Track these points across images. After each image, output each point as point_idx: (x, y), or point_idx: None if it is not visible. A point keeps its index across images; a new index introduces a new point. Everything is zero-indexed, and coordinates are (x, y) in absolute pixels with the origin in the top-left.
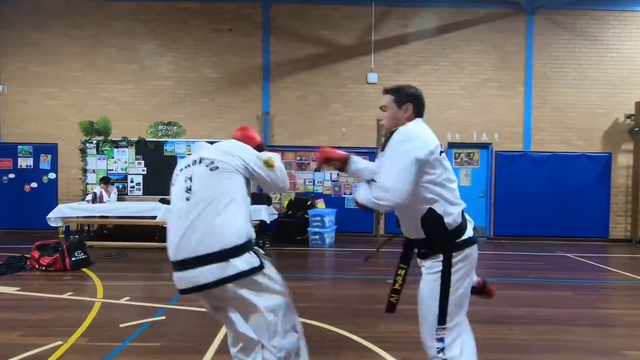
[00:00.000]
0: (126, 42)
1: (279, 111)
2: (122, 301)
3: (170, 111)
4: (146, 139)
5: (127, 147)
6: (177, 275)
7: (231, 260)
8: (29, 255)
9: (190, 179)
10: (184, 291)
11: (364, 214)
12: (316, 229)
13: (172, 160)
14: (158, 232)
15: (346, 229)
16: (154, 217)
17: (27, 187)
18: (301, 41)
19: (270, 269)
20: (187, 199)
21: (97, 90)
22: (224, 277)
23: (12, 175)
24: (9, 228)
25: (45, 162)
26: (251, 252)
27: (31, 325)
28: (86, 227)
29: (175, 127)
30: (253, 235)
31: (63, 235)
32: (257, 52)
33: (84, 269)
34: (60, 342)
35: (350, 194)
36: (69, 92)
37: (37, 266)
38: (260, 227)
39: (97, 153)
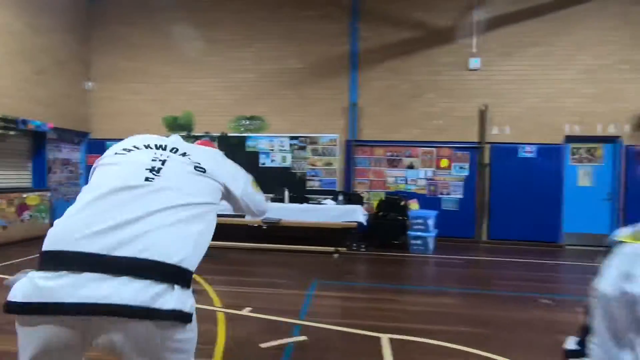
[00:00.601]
0: (213, 35)
1: (367, 102)
2: (246, 312)
3: (252, 104)
4: (228, 134)
5: None
6: (61, 280)
7: (176, 287)
8: None
9: (163, 162)
10: (44, 309)
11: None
12: (418, 233)
13: (254, 157)
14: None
15: (445, 233)
16: (233, 215)
17: None
18: (392, 25)
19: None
20: (148, 180)
21: (181, 84)
22: (156, 308)
23: None
24: None
25: None
26: (193, 293)
27: None
28: None
29: (259, 121)
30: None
31: None
32: (344, 39)
33: None
34: None
35: (448, 194)
36: (154, 87)
37: None
38: (355, 230)
39: None
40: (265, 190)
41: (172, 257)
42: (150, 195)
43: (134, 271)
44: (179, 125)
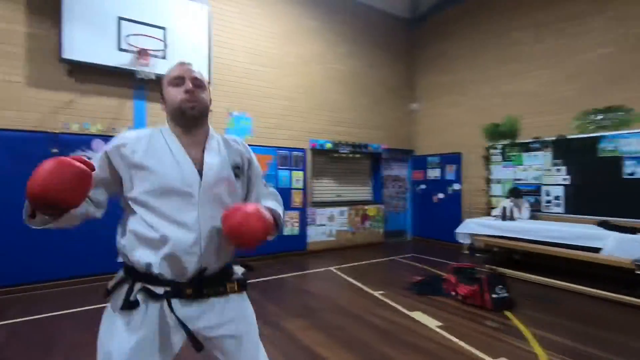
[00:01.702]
0: (539, 18)
1: None
2: None
3: (606, 92)
4: (568, 137)
5: (541, 150)
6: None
7: None
8: (444, 276)
9: None
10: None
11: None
12: None
13: (612, 164)
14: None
15: None
16: (589, 248)
17: (435, 198)
18: None
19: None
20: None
21: (500, 85)
22: None
23: (423, 186)
24: (420, 236)
25: (450, 172)
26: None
27: None
28: (495, 249)
29: (620, 113)
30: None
31: (468, 252)
32: None
33: (507, 312)
34: None
35: None
36: (470, 96)
37: (453, 293)
38: None
39: (503, 160)
40: None
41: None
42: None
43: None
44: (501, 133)
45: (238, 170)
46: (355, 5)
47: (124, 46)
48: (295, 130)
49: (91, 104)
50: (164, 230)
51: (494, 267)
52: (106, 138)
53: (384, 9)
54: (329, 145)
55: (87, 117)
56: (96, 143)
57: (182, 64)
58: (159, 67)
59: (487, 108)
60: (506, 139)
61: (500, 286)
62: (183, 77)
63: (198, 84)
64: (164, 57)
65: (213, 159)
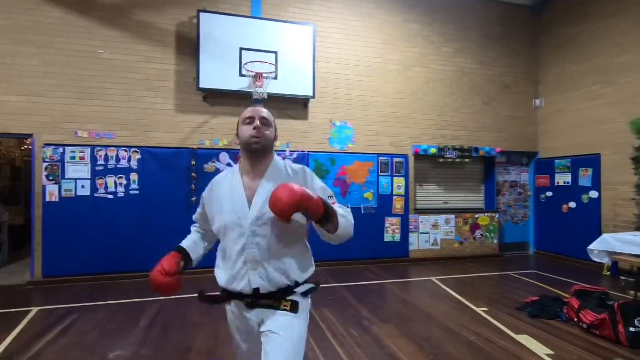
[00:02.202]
0: None
1: None
2: None
3: None
4: None
5: None
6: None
7: None
8: (566, 298)
9: None
10: None
11: None
12: None
13: None
14: None
15: None
16: None
17: (564, 207)
18: None
19: None
20: None
21: None
22: None
23: (549, 193)
24: (544, 250)
25: (584, 177)
26: None
27: None
28: None
29: None
30: None
31: (609, 273)
32: None
33: None
34: None
35: None
36: (614, 86)
37: (575, 319)
38: None
39: None
40: None
41: None
42: None
43: None
44: None
45: None
46: (462, 1)
47: (243, 72)
48: (396, 136)
49: (219, 123)
50: (227, 257)
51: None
52: (229, 151)
53: None
54: (433, 150)
55: (216, 134)
56: (222, 156)
57: (254, 107)
58: (271, 87)
59: (635, 99)
60: None
61: (638, 318)
62: (253, 117)
63: (265, 122)
64: (275, 78)
65: (261, 197)
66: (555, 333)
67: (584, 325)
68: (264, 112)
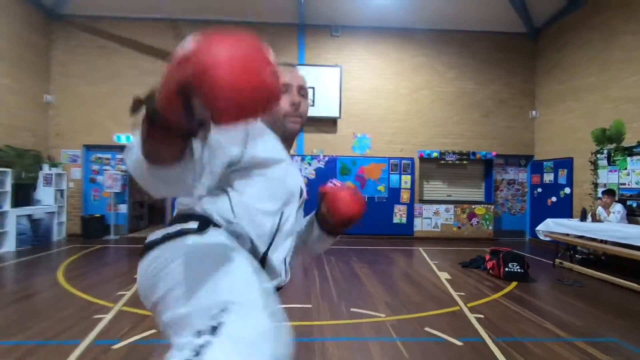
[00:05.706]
0: None
1: None
2: None
3: None
4: None
5: None
6: None
7: None
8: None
9: None
10: None
11: None
12: None
13: None
14: None
15: None
16: None
17: (549, 201)
18: None
19: None
20: None
21: (608, 91)
22: None
23: (539, 190)
24: (536, 237)
25: (562, 176)
26: None
27: None
28: (584, 250)
29: None
30: None
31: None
32: None
33: (514, 283)
34: None
35: None
36: (582, 102)
37: (485, 267)
38: None
39: (609, 164)
40: None
41: None
42: None
43: None
44: (608, 138)
45: None
46: (464, 35)
47: None
48: (405, 144)
49: None
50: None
51: (562, 262)
52: None
53: (497, 29)
54: (435, 154)
55: None
56: None
57: (291, 68)
58: (310, 112)
59: (596, 114)
60: (612, 143)
61: (514, 263)
62: (291, 85)
63: (304, 93)
64: (312, 105)
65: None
66: (466, 273)
67: (488, 270)
68: (302, 78)
